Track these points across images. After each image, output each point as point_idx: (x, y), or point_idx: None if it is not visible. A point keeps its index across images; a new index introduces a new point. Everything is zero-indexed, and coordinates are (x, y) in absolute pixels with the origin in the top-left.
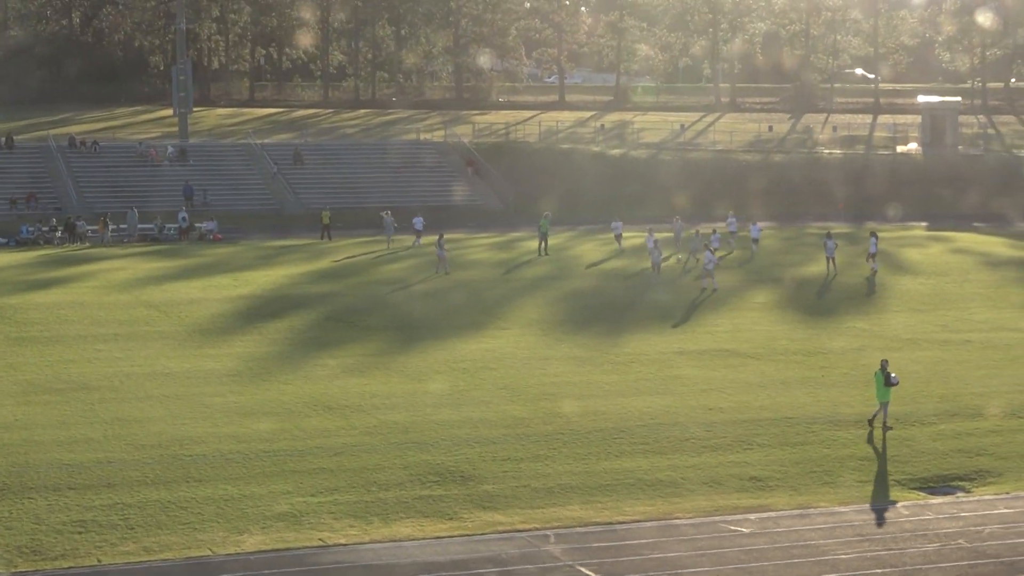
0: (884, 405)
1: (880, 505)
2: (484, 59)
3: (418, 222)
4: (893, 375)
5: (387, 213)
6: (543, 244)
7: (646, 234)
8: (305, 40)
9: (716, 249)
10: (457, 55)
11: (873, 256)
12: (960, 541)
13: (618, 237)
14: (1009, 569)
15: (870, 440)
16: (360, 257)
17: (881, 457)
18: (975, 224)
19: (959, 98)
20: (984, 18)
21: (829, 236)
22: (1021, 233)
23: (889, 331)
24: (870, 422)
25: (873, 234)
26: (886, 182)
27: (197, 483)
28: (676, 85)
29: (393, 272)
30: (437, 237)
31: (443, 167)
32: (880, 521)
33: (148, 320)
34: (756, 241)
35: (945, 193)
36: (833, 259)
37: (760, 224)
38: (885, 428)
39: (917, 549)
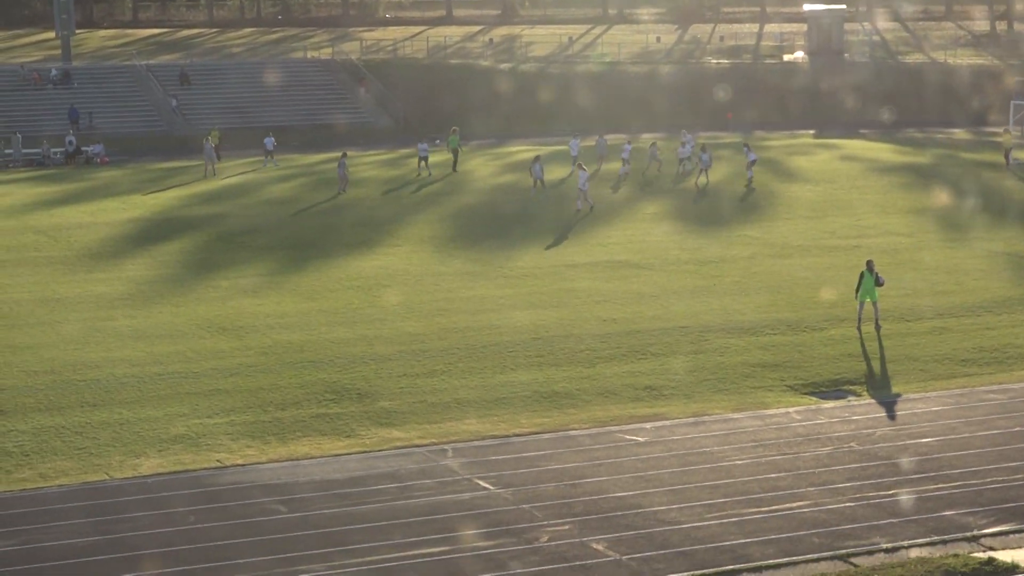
0: (875, 306)
1: (773, 411)
2: None
3: (269, 142)
4: (880, 275)
5: (207, 139)
6: (454, 160)
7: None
8: None
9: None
10: None
11: (751, 164)
12: (852, 444)
13: (423, 159)
14: (900, 469)
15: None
16: (249, 176)
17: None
18: (862, 131)
19: (844, 6)
20: None
21: (704, 149)
22: (907, 139)
23: (779, 238)
24: (858, 325)
25: (746, 144)
26: (773, 91)
27: (91, 408)
28: None
29: (282, 192)
30: (340, 155)
31: (331, 85)
32: (773, 426)
33: (36, 246)
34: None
35: (832, 101)
36: (706, 172)
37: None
38: (877, 326)
39: (810, 453)
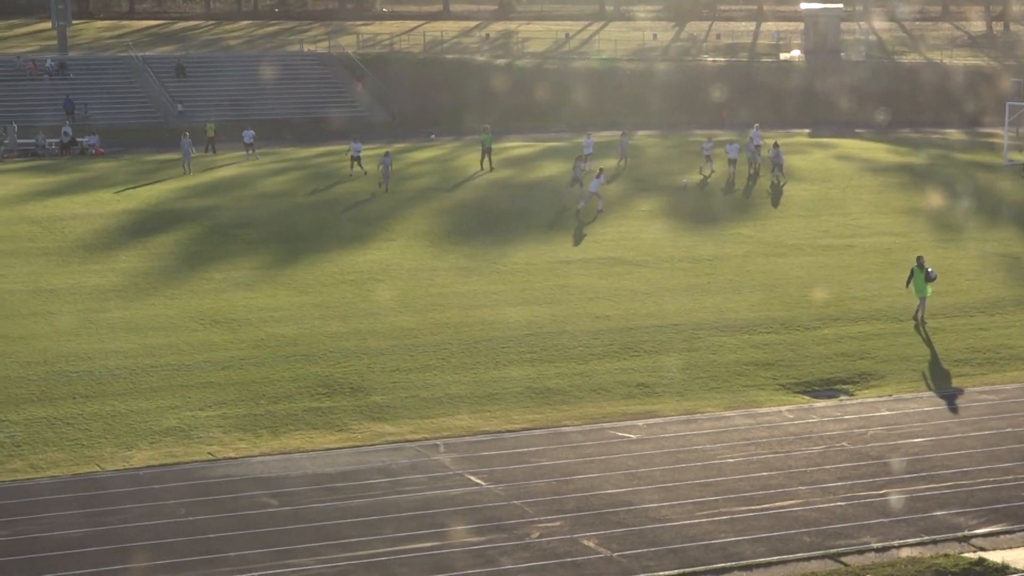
0: (923, 302)
1: (765, 410)
2: None
3: (248, 135)
4: (931, 270)
5: (185, 135)
6: (486, 158)
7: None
8: None
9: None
10: None
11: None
12: (844, 443)
13: (356, 159)
14: (891, 469)
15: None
16: (243, 169)
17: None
18: (857, 130)
19: (841, 5)
20: None
21: (776, 146)
22: (902, 139)
23: (773, 237)
24: (915, 317)
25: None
26: (769, 90)
27: (84, 399)
28: None
29: (277, 185)
30: (383, 153)
31: (327, 79)
32: (765, 425)
33: (30, 236)
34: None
35: (828, 100)
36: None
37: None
38: (922, 322)
39: (802, 452)
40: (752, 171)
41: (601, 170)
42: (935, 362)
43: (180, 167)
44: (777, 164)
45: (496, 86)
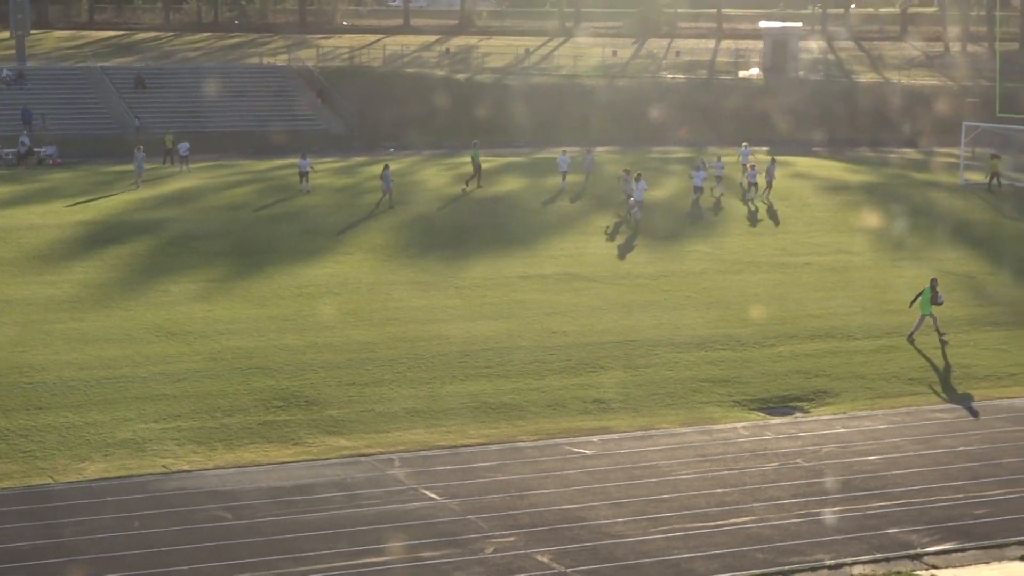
0: (933, 318)
1: (720, 426)
2: None
3: (183, 147)
4: (940, 296)
5: (139, 148)
6: (477, 175)
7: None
8: None
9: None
10: None
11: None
12: (798, 460)
13: (304, 175)
14: (845, 486)
15: (911, 343)
16: (200, 181)
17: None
18: (815, 149)
19: (799, 24)
20: None
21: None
22: (860, 158)
23: (730, 254)
24: (938, 333)
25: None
26: (728, 107)
27: (38, 411)
28: (521, 9)
29: (234, 197)
30: (383, 167)
31: (287, 91)
32: (720, 442)
33: None
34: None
35: (785, 118)
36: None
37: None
38: (912, 335)
39: (757, 469)
40: (749, 192)
41: (639, 174)
42: (889, 380)
43: (147, 175)
44: (753, 183)
45: (456, 100)
